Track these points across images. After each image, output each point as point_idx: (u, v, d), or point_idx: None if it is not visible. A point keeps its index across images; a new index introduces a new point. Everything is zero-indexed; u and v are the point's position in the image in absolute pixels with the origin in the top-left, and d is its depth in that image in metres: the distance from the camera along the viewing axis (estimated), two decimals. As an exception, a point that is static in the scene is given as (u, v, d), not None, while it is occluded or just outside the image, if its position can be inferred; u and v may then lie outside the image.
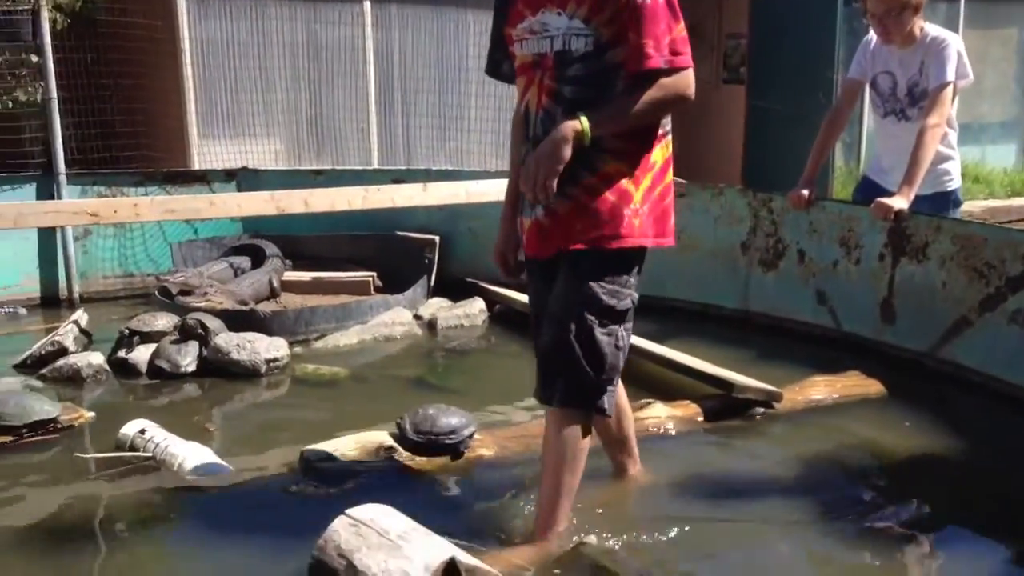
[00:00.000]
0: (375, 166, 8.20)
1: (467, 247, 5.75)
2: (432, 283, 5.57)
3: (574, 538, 2.61)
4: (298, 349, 4.56)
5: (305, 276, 5.69)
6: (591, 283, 2.48)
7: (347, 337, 4.74)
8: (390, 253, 5.76)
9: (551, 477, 2.60)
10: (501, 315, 5.16)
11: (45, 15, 5.74)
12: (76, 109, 6.49)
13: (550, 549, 2.58)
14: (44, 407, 3.57)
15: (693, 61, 2.45)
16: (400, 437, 3.27)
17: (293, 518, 2.88)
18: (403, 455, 3.22)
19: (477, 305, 5.16)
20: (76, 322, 4.73)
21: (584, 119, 2.37)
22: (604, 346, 2.50)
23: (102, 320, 5.05)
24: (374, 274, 5.62)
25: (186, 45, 7.67)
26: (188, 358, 4.27)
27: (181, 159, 7.47)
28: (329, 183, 5.81)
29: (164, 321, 4.53)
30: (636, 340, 4.32)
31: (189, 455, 3.25)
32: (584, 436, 2.57)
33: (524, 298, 5.18)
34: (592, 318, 2.48)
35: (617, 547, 2.60)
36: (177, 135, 7.75)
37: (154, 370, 4.26)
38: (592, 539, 2.62)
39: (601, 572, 2.50)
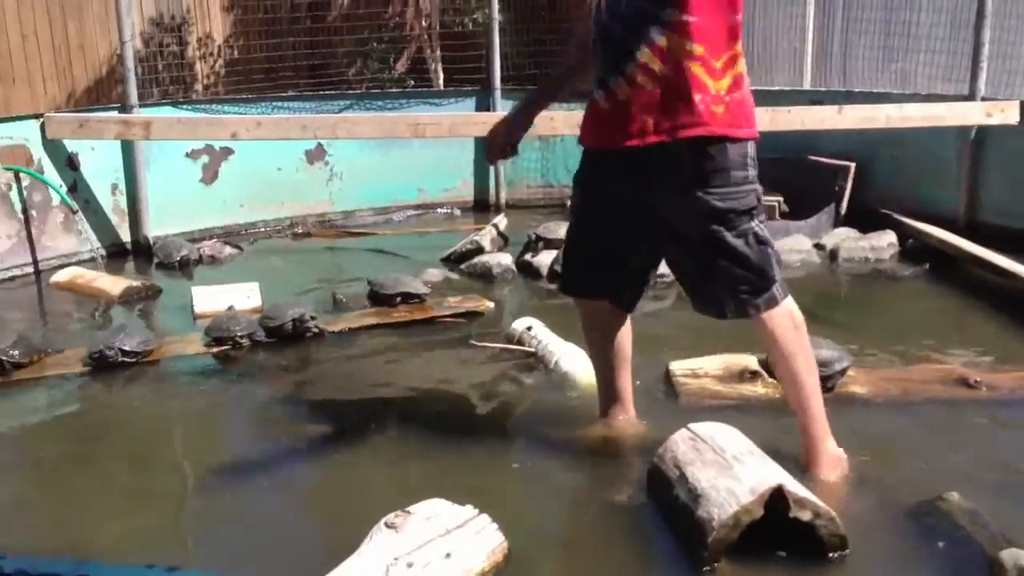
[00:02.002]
0: (806, 87, 7.83)
1: (887, 176, 5.33)
2: (842, 212, 5.26)
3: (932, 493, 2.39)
4: (689, 267, 4.58)
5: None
6: (699, 193, 2.33)
7: (740, 260, 4.67)
8: (800, 178, 5.51)
9: (789, 382, 2.54)
10: (913, 250, 4.74)
11: (494, -60, 6.20)
12: (515, 29, 6.98)
13: (835, 463, 2.55)
14: (414, 283, 4.21)
15: None
16: (766, 363, 3.19)
17: (647, 421, 2.96)
18: (767, 381, 3.15)
19: (887, 238, 4.78)
20: (495, 225, 5.21)
21: None
22: (741, 248, 2.36)
23: (520, 225, 5.46)
24: (780, 199, 5.43)
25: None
26: (583, 265, 4.50)
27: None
28: (745, 103, 5.67)
29: (566, 229, 4.80)
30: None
31: (565, 355, 3.46)
32: (790, 324, 2.48)
33: (942, 233, 4.73)
34: (717, 227, 2.35)
35: (980, 509, 2.32)
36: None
37: (552, 274, 4.56)
38: (955, 496, 2.36)
39: (958, 533, 2.27)
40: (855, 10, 8.34)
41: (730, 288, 2.42)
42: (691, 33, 2.27)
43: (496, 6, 6.22)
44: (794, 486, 2.21)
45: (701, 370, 3.22)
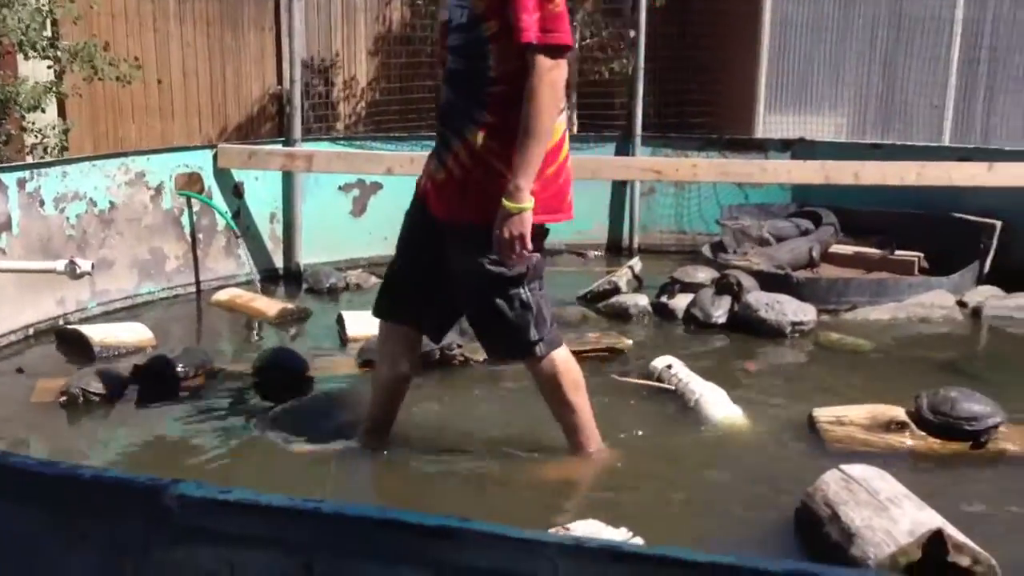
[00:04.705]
0: (946, 144, 7.71)
1: (1035, 236, 5.21)
2: (986, 271, 5.16)
3: None
4: (825, 318, 4.59)
5: (848, 250, 5.64)
6: (479, 259, 2.68)
7: (879, 313, 4.64)
8: (942, 235, 5.43)
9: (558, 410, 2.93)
10: (1063, 312, 4.62)
11: (644, -7, 6.38)
12: (657, 78, 7.12)
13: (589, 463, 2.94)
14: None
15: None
16: (915, 415, 3.18)
17: (786, 467, 3.00)
18: (915, 434, 3.13)
19: (1033, 299, 4.68)
20: (631, 267, 5.31)
21: (505, 201, 2.56)
22: (505, 311, 2.73)
23: (653, 269, 5.52)
24: (920, 255, 5.37)
25: (767, 19, 7.95)
26: (720, 310, 4.56)
27: (745, 128, 7.79)
28: (886, 158, 5.65)
29: (704, 275, 4.88)
30: None
31: (704, 393, 3.52)
32: (553, 375, 2.85)
33: (1096, 298, 4.60)
34: (488, 290, 2.73)
35: None
36: (745, 106, 8.10)
37: (688, 317, 4.63)
38: None
39: None
40: (999, 69, 8.21)
41: (495, 341, 2.90)
42: (495, 131, 2.62)
43: (642, 56, 6.38)
44: (953, 531, 2.23)
45: (846, 418, 3.22)
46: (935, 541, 2.19)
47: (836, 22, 8.15)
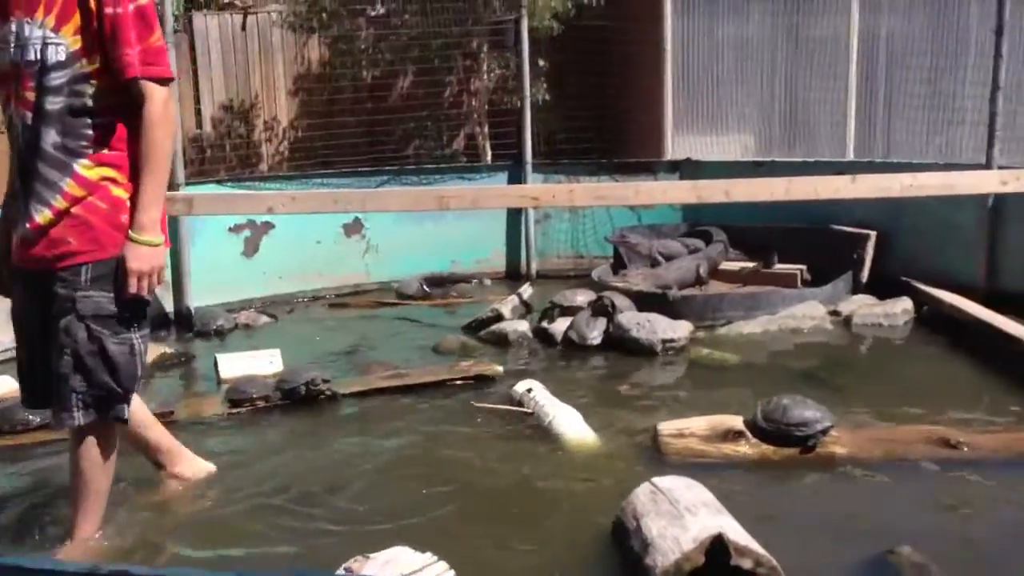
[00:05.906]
0: (849, 159, 7.86)
1: (908, 245, 5.35)
2: (863, 280, 5.28)
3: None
4: (701, 333, 4.66)
5: (735, 266, 5.74)
6: (99, 297, 2.50)
7: (752, 326, 4.73)
8: (821, 247, 5.57)
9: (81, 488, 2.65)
10: (928, 317, 4.74)
11: (524, 25, 6.48)
12: (555, 106, 7.20)
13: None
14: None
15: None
16: (751, 424, 3.24)
17: (624, 481, 3.01)
18: (750, 442, 3.19)
19: (901, 305, 4.80)
20: (519, 294, 5.36)
21: (136, 235, 2.47)
22: (118, 356, 2.52)
23: (547, 294, 5.57)
24: (803, 267, 5.48)
25: (668, 45, 8.08)
26: (595, 332, 4.62)
27: (656, 152, 7.88)
28: (771, 174, 5.76)
29: (583, 297, 4.94)
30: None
31: (559, 415, 3.56)
32: (109, 447, 2.63)
33: (955, 299, 4.72)
34: (101, 329, 2.50)
35: (933, 564, 2.33)
36: (655, 130, 8.21)
37: (566, 340, 4.68)
38: (906, 550, 2.39)
39: None
40: (897, 84, 8.40)
41: (87, 391, 2.52)
42: (107, 163, 2.52)
43: (527, 85, 6.47)
44: (737, 535, 2.27)
45: (687, 430, 3.27)
46: (718, 546, 2.23)
47: (736, 42, 8.31)
